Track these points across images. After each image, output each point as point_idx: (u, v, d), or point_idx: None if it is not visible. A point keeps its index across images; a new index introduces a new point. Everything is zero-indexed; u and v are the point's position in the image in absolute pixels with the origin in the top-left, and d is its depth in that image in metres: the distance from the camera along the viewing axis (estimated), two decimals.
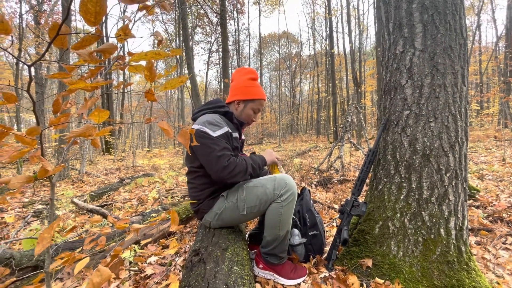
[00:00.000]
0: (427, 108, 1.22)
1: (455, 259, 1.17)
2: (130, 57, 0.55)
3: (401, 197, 1.26)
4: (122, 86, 0.67)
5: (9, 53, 0.38)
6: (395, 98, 1.33)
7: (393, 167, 1.31)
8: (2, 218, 2.78)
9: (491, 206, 2.32)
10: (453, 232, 1.19)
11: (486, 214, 2.16)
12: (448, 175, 1.20)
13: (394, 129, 1.32)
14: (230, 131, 1.34)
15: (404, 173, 1.26)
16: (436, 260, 1.17)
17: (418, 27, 1.25)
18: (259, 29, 21.55)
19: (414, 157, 1.24)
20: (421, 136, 1.23)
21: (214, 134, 1.25)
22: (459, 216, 1.21)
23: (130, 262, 1.60)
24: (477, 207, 2.34)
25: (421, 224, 1.21)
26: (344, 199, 2.79)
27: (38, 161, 0.53)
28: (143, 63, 0.62)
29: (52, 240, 2.20)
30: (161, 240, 1.93)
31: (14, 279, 0.89)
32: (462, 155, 1.22)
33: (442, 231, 1.19)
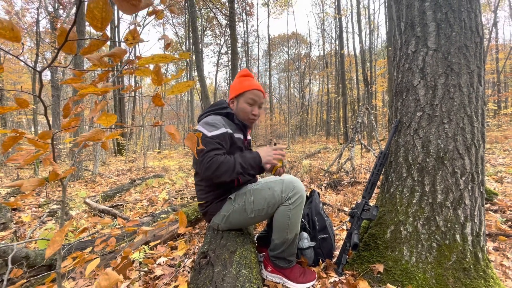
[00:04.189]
0: (441, 109, 1.18)
1: (471, 266, 1.12)
2: (138, 61, 0.56)
3: (414, 201, 1.22)
4: (130, 90, 0.68)
5: (20, 59, 0.39)
6: (407, 99, 1.29)
7: (405, 170, 1.27)
8: (19, 217, 2.88)
9: (510, 210, 2.23)
10: (470, 238, 1.14)
11: (505, 219, 2.07)
12: (463, 178, 1.15)
13: (406, 130, 1.28)
14: (231, 131, 1.33)
15: (417, 176, 1.22)
16: (451, 267, 1.13)
17: (431, 26, 1.21)
18: (268, 30, 21.57)
19: (428, 159, 1.20)
20: (434, 138, 1.19)
21: (209, 134, 1.25)
22: (475, 221, 1.16)
23: (140, 263, 1.62)
24: (495, 211, 2.25)
25: (435, 229, 1.17)
26: (355, 202, 2.74)
27: (50, 164, 0.54)
28: (151, 66, 0.62)
29: (66, 239, 2.26)
30: (169, 242, 1.95)
31: (25, 281, 0.92)
32: (479, 158, 1.17)
33: (457, 236, 1.14)
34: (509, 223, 2.03)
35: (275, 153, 1.32)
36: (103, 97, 0.61)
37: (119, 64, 0.73)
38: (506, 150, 6.01)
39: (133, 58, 0.66)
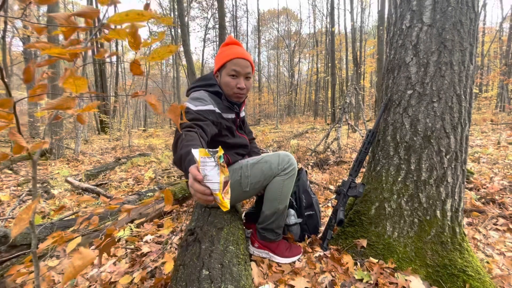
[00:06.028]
0: (431, 88, 1.17)
1: (449, 240, 1.18)
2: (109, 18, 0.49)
3: (399, 179, 1.25)
4: (106, 55, 0.60)
5: None
6: (398, 76, 1.27)
7: (392, 148, 1.28)
8: None
9: (484, 188, 2.35)
10: (449, 213, 1.19)
11: (479, 196, 2.19)
12: (448, 157, 1.17)
13: (396, 109, 1.27)
14: (219, 111, 1.25)
15: (404, 154, 1.24)
16: (430, 241, 1.18)
17: None
18: (258, 4, 20.62)
19: (415, 138, 1.21)
20: (423, 116, 1.19)
21: (194, 108, 1.17)
22: (455, 198, 1.20)
23: (126, 241, 1.60)
24: (471, 189, 2.37)
25: (417, 205, 1.21)
26: (340, 180, 2.80)
27: (14, 137, 0.49)
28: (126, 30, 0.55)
29: (49, 219, 2.20)
30: (155, 220, 1.94)
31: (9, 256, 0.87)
32: (464, 137, 1.19)
33: (438, 212, 1.19)
34: (483, 200, 2.15)
35: (192, 191, 0.74)
36: (74, 64, 0.54)
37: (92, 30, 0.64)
38: (484, 132, 6.28)
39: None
